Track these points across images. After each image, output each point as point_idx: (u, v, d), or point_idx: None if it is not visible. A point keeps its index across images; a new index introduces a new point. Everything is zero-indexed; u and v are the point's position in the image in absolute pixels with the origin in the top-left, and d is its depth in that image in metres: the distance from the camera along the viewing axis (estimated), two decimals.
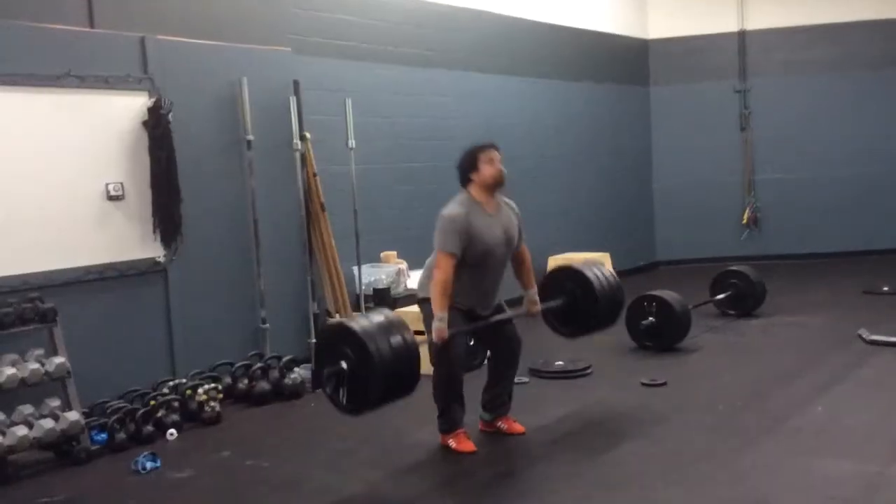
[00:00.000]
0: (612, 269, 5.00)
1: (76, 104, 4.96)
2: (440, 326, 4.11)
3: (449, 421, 4.38)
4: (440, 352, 4.22)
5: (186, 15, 5.65)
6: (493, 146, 4.36)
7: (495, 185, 4.33)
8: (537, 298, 4.63)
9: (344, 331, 3.83)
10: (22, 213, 4.71)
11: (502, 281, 4.47)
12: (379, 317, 3.90)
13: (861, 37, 10.25)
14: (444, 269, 4.16)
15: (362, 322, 3.84)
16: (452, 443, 4.35)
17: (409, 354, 3.83)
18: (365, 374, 3.72)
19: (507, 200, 4.50)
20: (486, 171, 4.29)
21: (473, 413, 4.57)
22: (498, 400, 4.61)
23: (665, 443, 4.36)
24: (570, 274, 4.86)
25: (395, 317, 3.98)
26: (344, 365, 3.76)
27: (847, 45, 10.33)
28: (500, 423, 4.61)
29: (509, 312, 4.55)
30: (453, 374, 4.30)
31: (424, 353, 4.02)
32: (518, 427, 4.61)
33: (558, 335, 4.93)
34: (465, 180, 4.36)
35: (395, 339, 3.77)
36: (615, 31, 10.19)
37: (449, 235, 4.18)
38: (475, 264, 4.26)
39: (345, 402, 3.82)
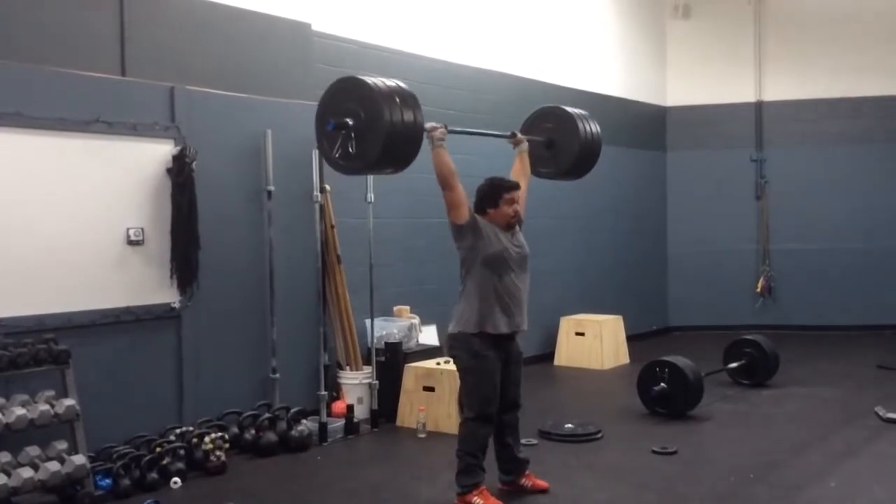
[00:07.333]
0: (597, 128, 5.22)
1: (103, 150, 5.04)
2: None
3: (472, 476, 4.24)
4: (474, 376, 4.19)
5: (215, 66, 5.78)
6: (517, 187, 4.46)
7: (508, 226, 4.39)
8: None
9: (361, 87, 3.99)
10: (42, 254, 4.76)
11: (526, 304, 4.41)
12: (394, 84, 4.04)
13: (878, 111, 10.33)
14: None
15: (379, 84, 3.98)
16: (478, 500, 4.19)
17: (413, 133, 4.02)
18: (369, 137, 3.90)
19: None
20: (505, 210, 4.37)
21: (491, 472, 4.48)
22: (514, 458, 4.53)
23: None
24: (558, 114, 5.16)
25: (409, 91, 4.11)
26: (350, 121, 3.94)
27: (864, 118, 10.41)
28: (523, 481, 4.55)
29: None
30: (484, 416, 4.21)
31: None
32: (541, 483, 4.56)
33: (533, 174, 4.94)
34: (481, 210, 4.40)
35: (407, 115, 3.94)
36: (634, 97, 10.33)
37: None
38: (491, 266, 4.23)
39: (338, 156, 4.00)
